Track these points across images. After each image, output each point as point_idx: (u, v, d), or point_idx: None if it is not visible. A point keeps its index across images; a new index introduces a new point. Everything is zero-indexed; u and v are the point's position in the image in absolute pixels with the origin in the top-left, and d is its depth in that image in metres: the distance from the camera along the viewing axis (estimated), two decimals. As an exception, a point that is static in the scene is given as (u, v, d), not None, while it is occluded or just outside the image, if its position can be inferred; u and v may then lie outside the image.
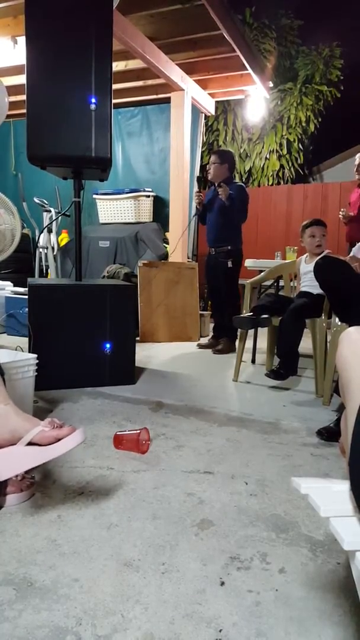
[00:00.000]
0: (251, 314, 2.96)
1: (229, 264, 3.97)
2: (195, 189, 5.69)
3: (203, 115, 5.88)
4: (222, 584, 1.12)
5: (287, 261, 3.83)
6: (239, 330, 3.14)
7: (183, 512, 1.43)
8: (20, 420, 1.34)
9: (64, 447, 1.29)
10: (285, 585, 1.12)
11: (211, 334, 4.40)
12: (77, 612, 1.01)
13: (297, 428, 2.20)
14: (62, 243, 5.70)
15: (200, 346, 4.23)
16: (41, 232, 5.16)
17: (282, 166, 8.30)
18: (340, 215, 4.40)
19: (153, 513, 1.41)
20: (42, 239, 5.08)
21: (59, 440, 1.30)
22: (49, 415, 2.24)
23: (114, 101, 2.75)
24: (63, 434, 1.31)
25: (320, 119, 8.23)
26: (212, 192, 4.12)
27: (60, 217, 5.11)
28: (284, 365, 2.72)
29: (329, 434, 2.05)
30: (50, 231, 5.12)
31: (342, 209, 4.54)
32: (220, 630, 0.97)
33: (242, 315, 2.97)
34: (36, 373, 2.12)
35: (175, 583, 1.11)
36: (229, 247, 3.98)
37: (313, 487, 0.83)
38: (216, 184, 3.85)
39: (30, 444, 1.30)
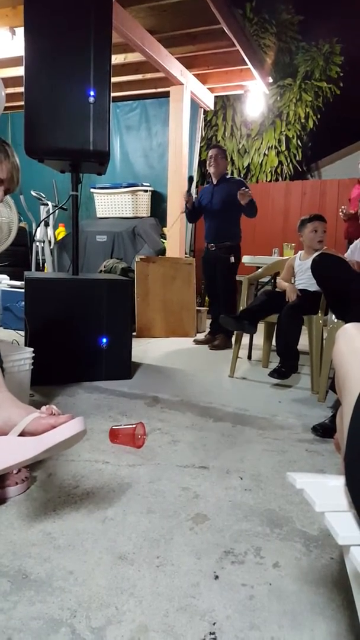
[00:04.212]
0: (239, 315, 2.96)
1: (232, 260, 3.96)
2: (193, 188, 5.68)
3: (202, 110, 5.85)
4: (216, 577, 1.12)
5: (284, 257, 3.83)
6: None
7: (178, 506, 1.43)
8: (15, 408, 1.25)
9: (60, 435, 1.16)
10: (279, 579, 1.13)
11: (208, 329, 4.40)
12: (72, 604, 1.01)
13: (292, 424, 2.21)
14: (59, 237, 5.68)
15: (197, 342, 4.23)
16: (38, 225, 5.14)
17: (280, 162, 8.28)
18: (340, 213, 4.40)
19: (148, 507, 1.42)
20: (39, 233, 5.06)
21: (55, 428, 1.18)
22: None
23: (112, 94, 2.73)
24: (60, 422, 1.19)
25: (319, 116, 8.21)
26: (210, 187, 4.09)
27: (57, 211, 5.09)
28: (285, 364, 2.73)
29: (324, 431, 2.05)
30: (47, 225, 5.10)
31: (342, 207, 4.54)
32: (214, 624, 0.98)
33: (228, 315, 2.97)
34: (32, 367, 2.12)
35: (169, 576, 1.12)
36: (229, 243, 3.97)
37: (308, 482, 0.83)
38: (239, 191, 3.65)
39: (24, 434, 1.19)
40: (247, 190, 3.63)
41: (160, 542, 1.25)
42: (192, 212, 4.13)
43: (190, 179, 4.22)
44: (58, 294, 2.69)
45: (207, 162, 4.06)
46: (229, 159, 4.17)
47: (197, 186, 5.48)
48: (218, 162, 3.97)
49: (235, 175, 7.68)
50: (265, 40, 7.89)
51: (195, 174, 5.88)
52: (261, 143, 8.21)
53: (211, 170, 4.05)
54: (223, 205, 3.89)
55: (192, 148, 5.64)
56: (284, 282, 3.19)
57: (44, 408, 1.26)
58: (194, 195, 4.17)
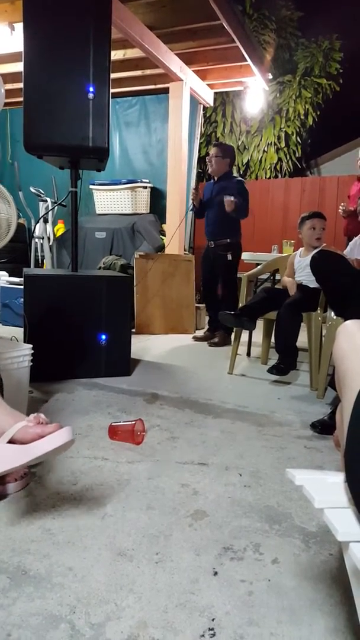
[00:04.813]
0: (238, 311, 2.96)
1: (229, 257, 3.97)
2: (193, 184, 5.67)
3: (201, 106, 5.83)
4: (216, 573, 1.12)
5: (283, 254, 3.83)
6: None
7: (177, 502, 1.43)
8: (3, 415, 1.24)
9: (48, 445, 1.16)
10: (278, 575, 1.13)
11: (207, 326, 4.40)
12: (71, 600, 1.02)
13: (291, 421, 2.21)
14: (59, 233, 5.67)
15: (196, 339, 4.23)
16: (37, 222, 5.13)
17: (280, 159, 8.26)
18: (340, 210, 4.40)
19: (147, 503, 1.42)
20: (38, 229, 5.05)
21: (42, 437, 1.18)
22: (44, 406, 2.25)
23: (111, 90, 2.72)
24: (48, 431, 1.19)
25: (318, 113, 8.18)
26: (211, 185, 4.10)
27: (56, 207, 5.07)
28: (284, 360, 2.73)
29: (323, 427, 2.06)
30: (46, 221, 5.09)
31: (342, 204, 4.54)
32: (213, 619, 0.98)
33: (227, 312, 2.98)
34: (31, 364, 2.11)
35: (168, 573, 1.12)
36: (228, 240, 3.98)
37: (308, 479, 0.84)
38: (224, 197, 3.72)
39: (12, 442, 1.19)
40: (230, 198, 3.68)
41: (160, 538, 1.25)
42: (200, 208, 4.15)
43: (199, 174, 4.21)
44: (57, 291, 2.69)
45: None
46: (231, 156, 4.15)
47: (196, 185, 5.47)
48: (213, 163, 4.00)
49: (235, 172, 7.66)
50: (265, 36, 7.86)
51: (194, 171, 5.87)
52: (260, 140, 8.19)
53: (209, 170, 4.10)
54: (221, 203, 3.89)
55: (191, 144, 5.62)
56: (287, 278, 3.19)
57: (31, 416, 1.25)
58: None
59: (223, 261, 3.99)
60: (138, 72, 5.17)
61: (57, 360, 2.64)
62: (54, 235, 5.40)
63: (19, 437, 1.19)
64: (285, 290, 3.07)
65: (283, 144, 8.14)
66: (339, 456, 0.88)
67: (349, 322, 0.89)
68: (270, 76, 5.78)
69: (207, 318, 4.45)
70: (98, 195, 5.68)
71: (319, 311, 2.81)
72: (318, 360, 2.72)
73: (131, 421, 1.89)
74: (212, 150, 4.04)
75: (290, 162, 8.31)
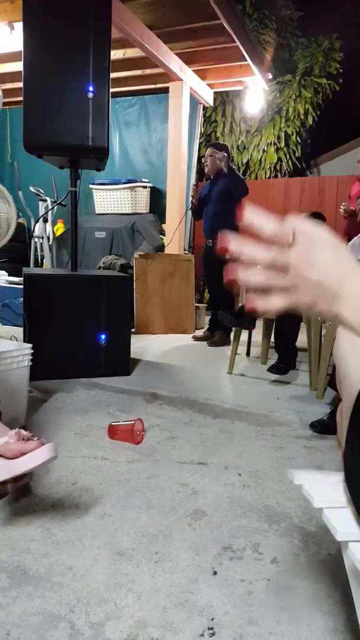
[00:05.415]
0: (238, 311, 2.97)
1: (227, 256, 3.99)
2: (193, 181, 5.68)
3: (201, 106, 5.83)
4: (215, 573, 1.13)
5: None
6: None
7: (176, 502, 1.43)
8: None
9: (29, 463, 1.17)
10: (277, 575, 1.13)
11: (206, 326, 4.40)
12: (71, 599, 1.02)
13: (290, 420, 2.22)
14: (58, 233, 5.66)
15: (196, 338, 4.23)
16: (37, 221, 5.13)
17: (279, 159, 8.26)
18: (341, 210, 4.40)
19: (147, 503, 1.42)
20: (37, 229, 5.05)
21: (24, 454, 1.19)
22: (44, 406, 2.25)
23: (111, 90, 2.72)
24: (29, 448, 1.20)
25: (318, 112, 8.19)
26: (209, 184, 4.12)
27: (56, 207, 5.07)
28: (284, 360, 2.73)
29: (322, 427, 2.06)
30: (45, 221, 5.08)
31: (343, 204, 4.54)
32: (212, 619, 0.98)
33: (227, 312, 2.98)
34: (31, 363, 2.11)
35: (168, 572, 1.12)
36: None
37: (307, 479, 0.84)
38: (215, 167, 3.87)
39: None
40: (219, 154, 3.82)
41: (159, 537, 1.25)
42: (198, 208, 4.17)
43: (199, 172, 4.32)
44: (57, 290, 2.69)
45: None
46: (230, 155, 4.20)
47: (196, 182, 5.47)
48: (208, 162, 4.05)
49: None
50: (265, 36, 7.85)
51: (194, 170, 5.88)
52: (260, 139, 8.19)
53: (205, 170, 4.15)
54: (218, 201, 3.93)
55: (191, 144, 5.62)
56: None
57: (12, 432, 1.25)
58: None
59: (220, 260, 4.00)
60: (138, 72, 5.17)
61: (57, 359, 2.64)
62: (54, 234, 5.40)
63: (2, 452, 1.21)
64: None
65: (283, 144, 8.14)
66: (339, 456, 0.88)
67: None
68: (270, 76, 5.78)
69: (206, 318, 4.45)
70: (98, 195, 5.68)
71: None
72: (318, 360, 2.72)
73: (130, 421, 1.89)
74: (208, 151, 4.08)
75: (290, 162, 8.31)
